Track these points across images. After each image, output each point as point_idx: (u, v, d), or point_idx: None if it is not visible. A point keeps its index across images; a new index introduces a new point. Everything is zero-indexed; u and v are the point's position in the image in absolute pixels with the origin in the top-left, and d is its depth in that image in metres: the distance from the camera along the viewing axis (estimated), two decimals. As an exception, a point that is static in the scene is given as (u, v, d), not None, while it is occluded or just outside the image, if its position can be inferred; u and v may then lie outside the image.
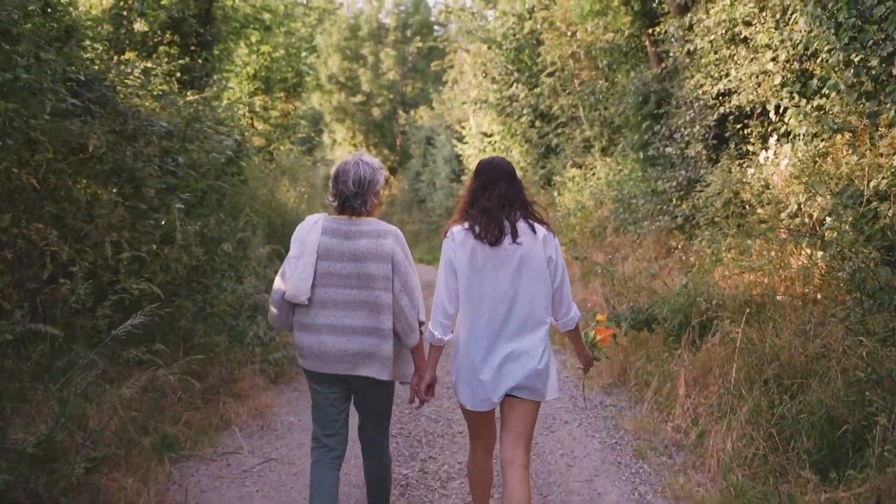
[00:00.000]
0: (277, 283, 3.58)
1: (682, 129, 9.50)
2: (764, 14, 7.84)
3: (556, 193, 15.14)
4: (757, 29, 7.86)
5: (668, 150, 9.98)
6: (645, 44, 11.84)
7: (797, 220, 7.00)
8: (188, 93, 9.49)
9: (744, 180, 8.01)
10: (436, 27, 33.71)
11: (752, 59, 7.93)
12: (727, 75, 8.39)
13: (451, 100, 24.35)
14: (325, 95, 33.52)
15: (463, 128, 22.14)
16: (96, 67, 6.74)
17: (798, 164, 7.06)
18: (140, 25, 11.22)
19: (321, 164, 37.49)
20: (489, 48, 19.01)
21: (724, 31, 8.38)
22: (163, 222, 6.30)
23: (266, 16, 15.72)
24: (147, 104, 6.89)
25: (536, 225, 3.49)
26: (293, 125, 18.82)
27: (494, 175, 3.52)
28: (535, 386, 3.46)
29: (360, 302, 3.44)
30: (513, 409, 3.52)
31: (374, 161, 3.59)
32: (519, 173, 13.94)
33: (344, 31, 34.08)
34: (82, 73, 5.91)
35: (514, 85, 18.03)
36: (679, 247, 8.91)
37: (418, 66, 34.94)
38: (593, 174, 14.22)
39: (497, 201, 3.46)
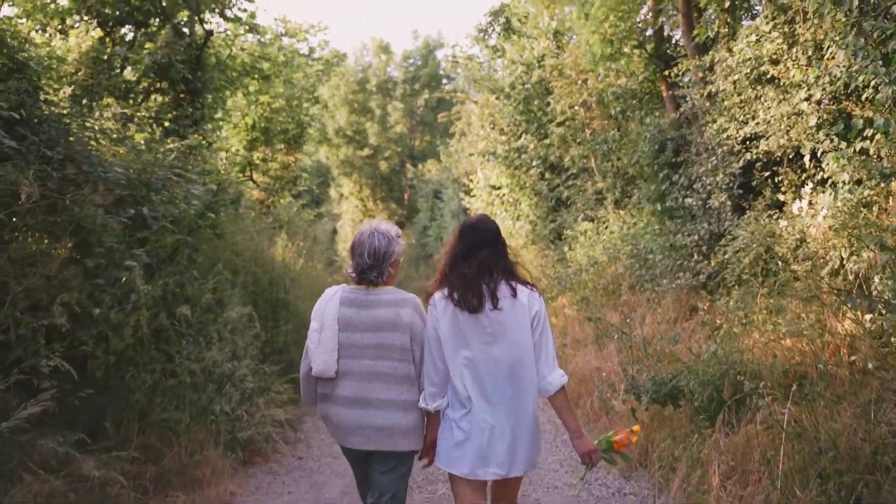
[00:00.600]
0: (304, 359, 3.55)
1: (704, 179, 8.71)
2: (794, 50, 7.11)
3: (566, 248, 14.34)
4: (786, 67, 7.12)
5: (688, 201, 9.19)
6: (660, 88, 11.15)
7: (839, 279, 6.17)
8: (169, 140, 8.85)
9: (776, 233, 7.18)
10: (444, 80, 33.34)
11: (781, 100, 7.16)
12: (753, 118, 7.62)
13: (458, 152, 23.73)
14: (332, 149, 33.05)
15: (471, 181, 21.48)
16: (63, 111, 6.09)
17: (839, 214, 6.24)
18: (128, 72, 10.68)
19: (328, 217, 37.01)
20: (497, 98, 18.45)
21: (748, 71, 7.64)
22: (123, 280, 5.53)
23: (264, 65, 15.19)
24: (104, 149, 6.16)
25: (519, 287, 3.37)
26: (294, 178, 18.20)
27: (477, 241, 3.42)
28: (521, 467, 3.37)
29: (378, 373, 3.41)
30: (499, 487, 3.53)
31: (390, 230, 3.57)
32: (528, 227, 13.26)
33: (352, 84, 33.76)
34: (21, 111, 5.18)
35: (523, 136, 17.40)
36: (704, 308, 8.05)
37: (427, 119, 34.53)
38: (606, 228, 13.46)
39: (476, 269, 3.36)
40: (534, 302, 3.36)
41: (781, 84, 7.21)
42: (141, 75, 10.31)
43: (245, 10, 13.97)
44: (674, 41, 10.86)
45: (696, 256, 8.86)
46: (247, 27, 14.28)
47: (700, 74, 9.03)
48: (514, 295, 3.32)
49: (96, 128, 6.21)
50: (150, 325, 5.52)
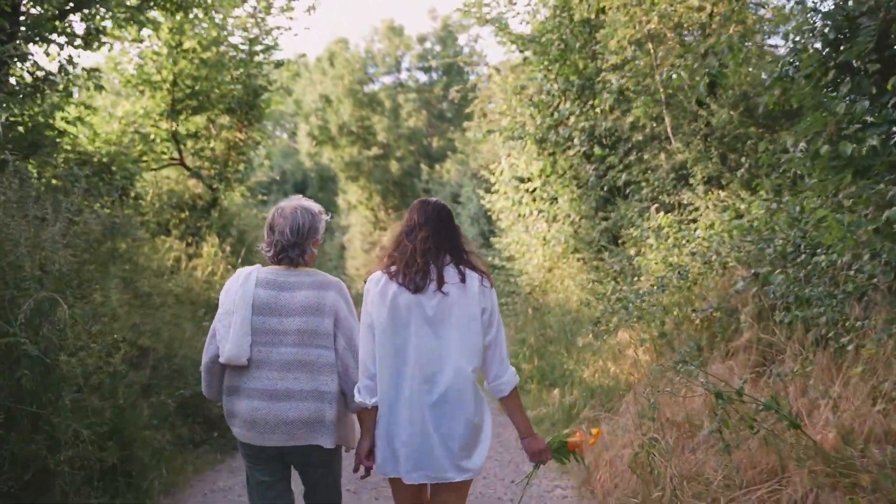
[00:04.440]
0: (208, 345, 3.23)
1: None
2: None
3: (632, 253, 9.20)
4: None
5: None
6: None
7: None
8: None
9: None
10: (465, 68, 28.19)
11: None
12: None
13: (477, 132, 18.42)
14: (335, 150, 28.18)
15: (492, 173, 16.26)
16: None
17: None
18: None
19: (337, 230, 32.24)
20: (524, 58, 13.39)
21: None
22: None
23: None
24: None
25: (468, 272, 3.08)
26: (247, 163, 13.32)
27: (426, 215, 3.14)
28: (462, 467, 3.04)
29: (299, 362, 3.14)
30: (440, 494, 3.14)
31: (313, 206, 3.33)
32: (569, 230, 7.79)
33: (358, 72, 28.83)
34: None
35: (561, 104, 12.32)
36: None
37: (445, 113, 29.48)
38: (695, 221, 8.36)
39: (422, 244, 3.07)
40: (485, 295, 3.06)
41: None
42: None
43: None
44: None
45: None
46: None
47: None
48: (463, 280, 3.03)
49: None
50: None
